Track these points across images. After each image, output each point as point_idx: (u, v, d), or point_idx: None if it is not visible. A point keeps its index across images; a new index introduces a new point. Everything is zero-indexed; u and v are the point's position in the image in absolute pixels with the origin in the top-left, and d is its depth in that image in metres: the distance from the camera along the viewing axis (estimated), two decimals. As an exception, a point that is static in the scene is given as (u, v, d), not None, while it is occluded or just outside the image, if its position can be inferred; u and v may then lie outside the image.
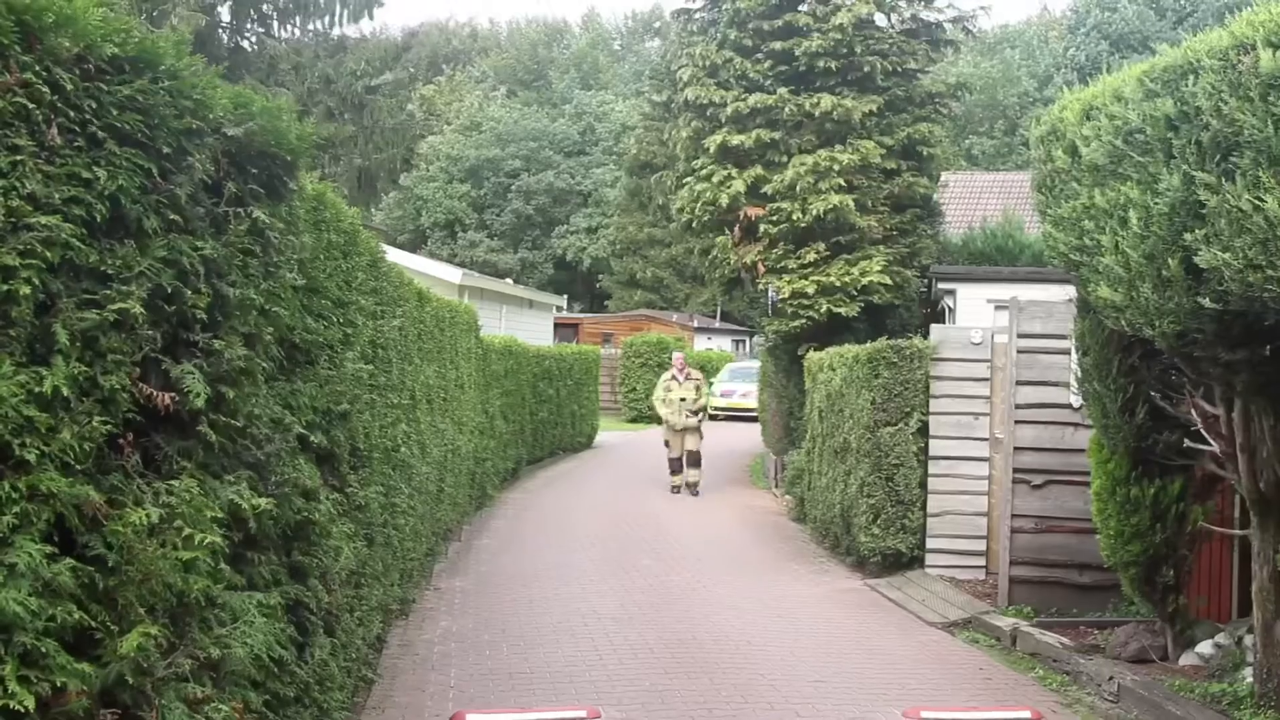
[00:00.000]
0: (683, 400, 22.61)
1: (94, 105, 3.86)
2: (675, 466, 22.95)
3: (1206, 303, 7.01)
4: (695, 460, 22.77)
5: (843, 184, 20.82)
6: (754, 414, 36.05)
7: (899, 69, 21.66)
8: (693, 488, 22.60)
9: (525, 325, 35.00)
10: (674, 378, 23.04)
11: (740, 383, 44.46)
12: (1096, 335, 9.83)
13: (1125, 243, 7.58)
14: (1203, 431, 9.18)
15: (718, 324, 61.98)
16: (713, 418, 38.62)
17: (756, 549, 16.59)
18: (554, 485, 24.48)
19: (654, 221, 60.95)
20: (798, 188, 20.79)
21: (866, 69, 21.17)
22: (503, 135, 75.31)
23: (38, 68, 3.69)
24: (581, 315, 63.43)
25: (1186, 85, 6.88)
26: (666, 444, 23.11)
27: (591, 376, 33.27)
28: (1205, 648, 9.91)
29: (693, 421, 22.61)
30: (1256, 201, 6.23)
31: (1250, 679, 8.84)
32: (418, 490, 11.31)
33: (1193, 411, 9.23)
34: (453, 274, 30.52)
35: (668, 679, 9.57)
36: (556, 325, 45.90)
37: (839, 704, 9.00)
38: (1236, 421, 8.74)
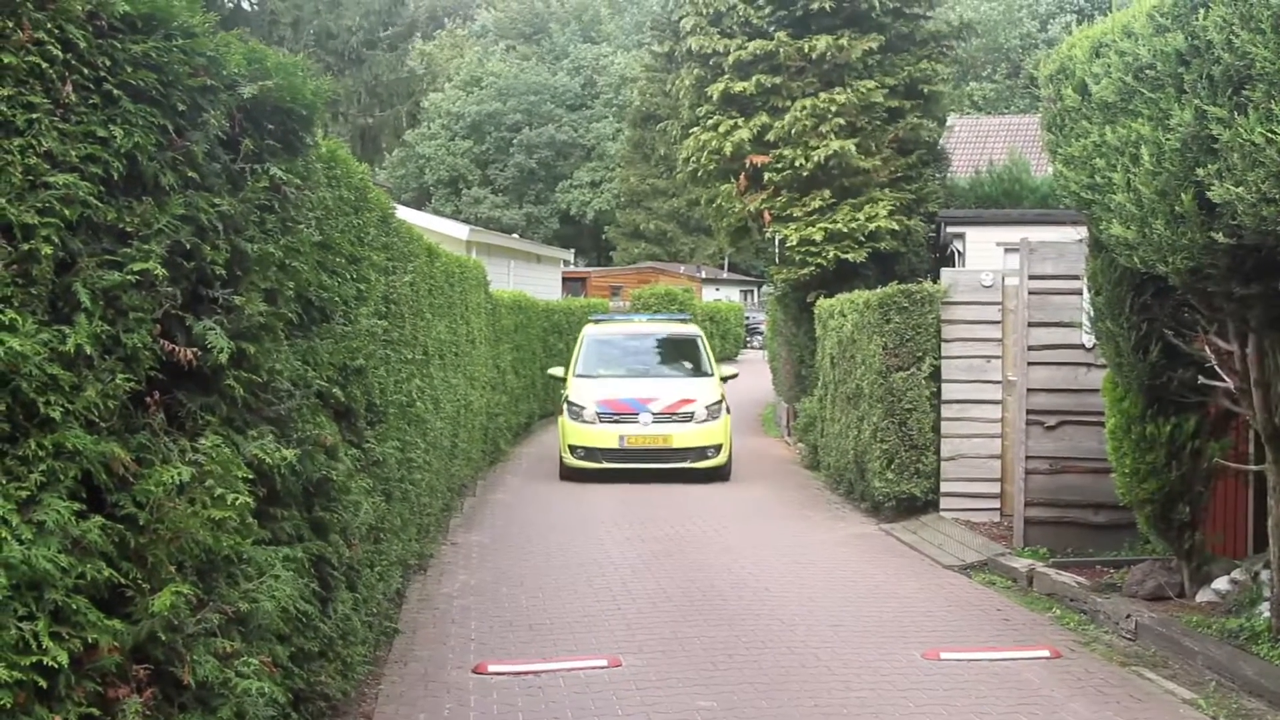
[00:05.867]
0: None
1: (108, 63, 3.85)
2: None
3: (1220, 238, 6.99)
4: None
5: (843, 125, 20.69)
6: (706, 451, 18.70)
7: (901, 9, 21.48)
8: None
9: (533, 280, 34.98)
10: None
11: (638, 378, 20.19)
12: (1109, 274, 9.80)
13: (1137, 179, 7.56)
14: (1217, 368, 9.16)
15: (725, 274, 61.96)
16: (566, 475, 19.04)
17: (771, 497, 16.63)
18: (566, 439, 24.52)
19: (657, 173, 60.88)
20: (794, 132, 20.70)
21: (864, 7, 21.00)
22: (503, 90, 75.16)
23: (50, 25, 3.68)
24: (589, 269, 63.47)
25: (1197, 19, 6.84)
26: None
27: (601, 329, 33.26)
28: (1222, 584, 9.93)
29: None
30: (1269, 135, 6.20)
31: (1267, 614, 8.86)
32: (432, 445, 11.34)
33: (1206, 348, 9.21)
34: (460, 230, 30.50)
35: (687, 626, 9.61)
36: (564, 279, 45.88)
37: (858, 647, 9.03)
38: (1250, 357, 8.73)
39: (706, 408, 18.87)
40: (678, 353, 21.30)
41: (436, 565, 11.85)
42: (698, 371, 20.44)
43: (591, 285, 55.10)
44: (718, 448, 18.74)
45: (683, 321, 23.81)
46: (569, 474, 18.89)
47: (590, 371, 20.17)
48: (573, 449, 18.91)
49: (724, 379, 20.20)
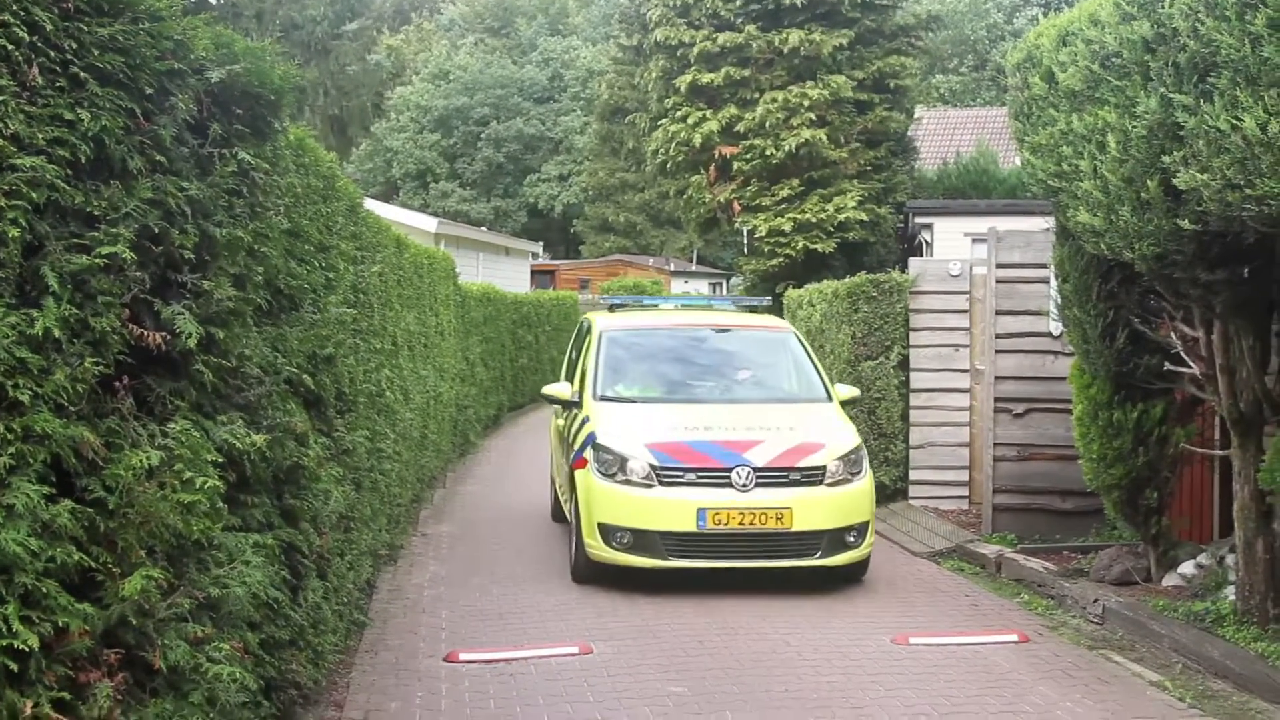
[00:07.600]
0: None
1: (74, 45, 3.83)
2: None
3: (1185, 224, 7.04)
4: None
5: (814, 118, 20.77)
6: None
7: (870, 3, 21.57)
8: None
9: (502, 272, 34.95)
10: None
11: (708, 404, 11.58)
12: (1076, 261, 9.86)
13: (1104, 167, 7.61)
14: (1183, 354, 9.23)
15: (694, 267, 61.99)
16: (586, 576, 10.74)
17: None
18: (536, 431, 24.48)
19: (626, 166, 60.80)
20: (767, 124, 20.76)
21: (834, 2, 21.08)
22: (470, 84, 74.90)
23: (15, 7, 3.66)
24: (557, 262, 63.34)
25: (1163, 7, 6.89)
26: None
27: (570, 322, 33.27)
28: (1188, 568, 10.01)
29: None
30: (1234, 121, 6.25)
31: (1233, 597, 8.94)
32: (402, 436, 11.32)
33: (1172, 335, 9.28)
34: (428, 223, 30.47)
35: (657, 616, 9.63)
36: (533, 272, 45.86)
37: (828, 633, 9.07)
38: (1216, 343, 8.80)
39: (841, 458, 10.68)
40: (761, 362, 12.54)
41: (406, 556, 11.83)
42: (805, 394, 11.92)
43: (560, 278, 55.07)
44: (863, 528, 10.63)
45: (753, 309, 14.32)
46: (591, 574, 10.71)
47: (618, 392, 11.74)
48: (608, 532, 10.49)
49: (844, 404, 11.90)
